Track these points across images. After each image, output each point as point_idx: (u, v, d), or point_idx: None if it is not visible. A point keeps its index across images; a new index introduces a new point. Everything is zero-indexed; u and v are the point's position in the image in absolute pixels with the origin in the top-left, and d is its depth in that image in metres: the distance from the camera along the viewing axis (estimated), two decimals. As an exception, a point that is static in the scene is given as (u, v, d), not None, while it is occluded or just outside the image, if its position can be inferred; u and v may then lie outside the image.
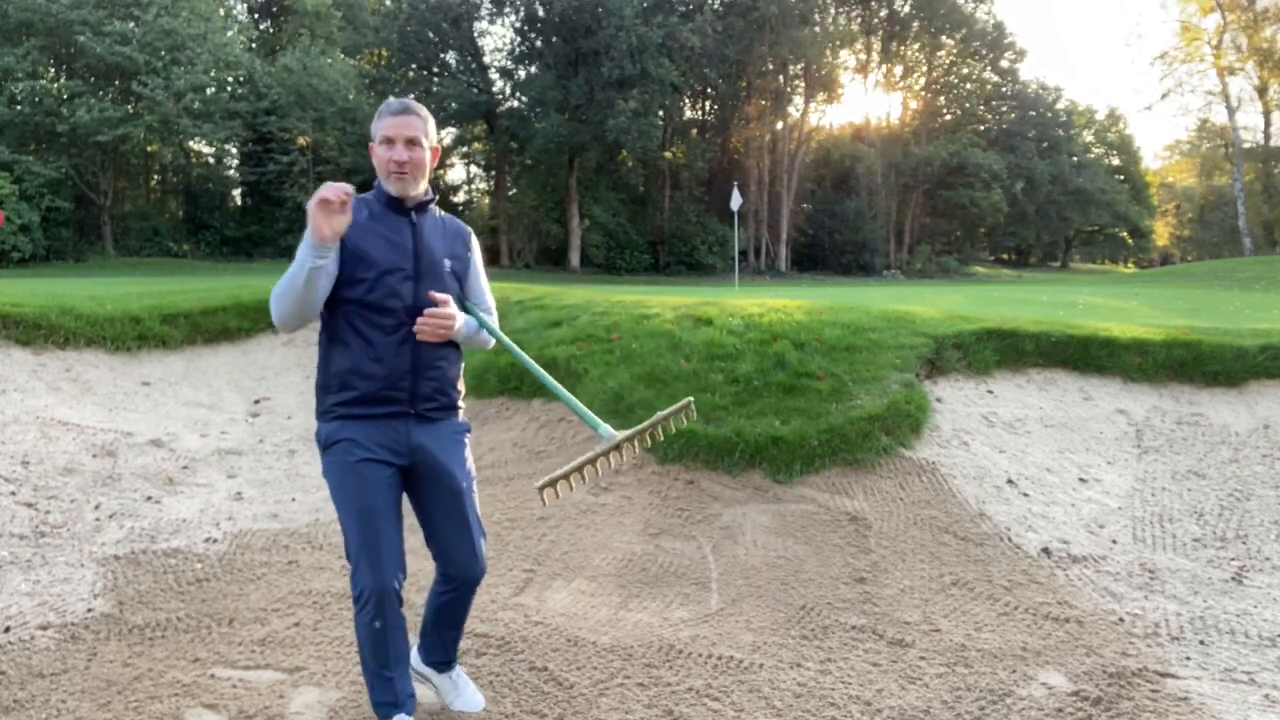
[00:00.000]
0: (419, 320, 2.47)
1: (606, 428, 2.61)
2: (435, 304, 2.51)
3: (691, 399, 2.78)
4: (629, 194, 39.63)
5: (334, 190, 2.28)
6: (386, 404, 2.49)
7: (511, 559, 4.15)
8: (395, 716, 2.56)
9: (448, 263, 2.61)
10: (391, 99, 2.64)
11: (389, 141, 2.49)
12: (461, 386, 2.69)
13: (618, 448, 2.61)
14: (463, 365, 2.71)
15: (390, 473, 2.50)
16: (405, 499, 2.65)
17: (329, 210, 2.29)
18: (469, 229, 2.76)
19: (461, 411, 2.71)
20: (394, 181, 2.51)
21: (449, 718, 2.81)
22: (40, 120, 28.12)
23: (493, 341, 2.77)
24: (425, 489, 2.61)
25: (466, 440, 2.71)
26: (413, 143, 2.50)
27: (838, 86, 42.51)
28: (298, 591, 3.79)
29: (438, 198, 2.69)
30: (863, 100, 61.43)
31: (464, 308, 2.68)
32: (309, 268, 2.35)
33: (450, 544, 2.63)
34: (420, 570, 3.79)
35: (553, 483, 2.55)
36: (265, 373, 7.57)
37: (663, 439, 2.77)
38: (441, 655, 2.87)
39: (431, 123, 2.58)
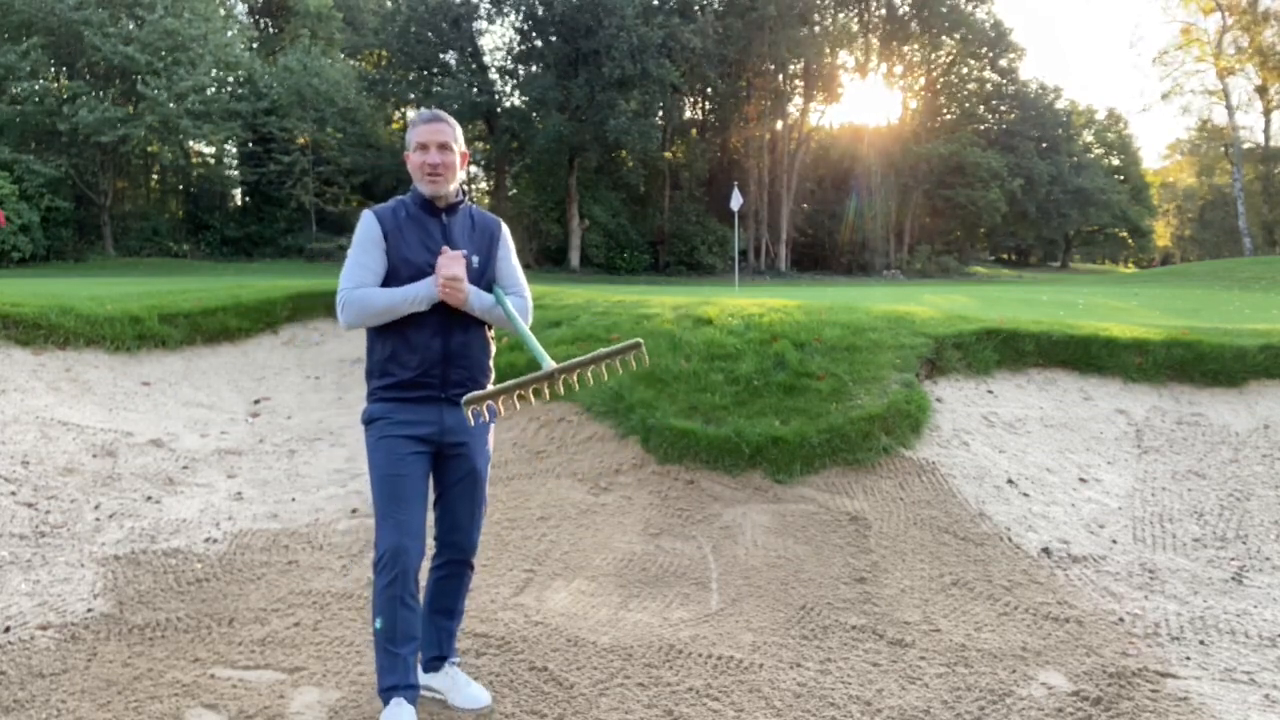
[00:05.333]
0: (440, 265, 2.67)
1: (549, 361, 2.65)
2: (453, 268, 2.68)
3: (640, 341, 2.73)
4: (629, 194, 39.59)
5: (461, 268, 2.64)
6: (421, 389, 2.71)
7: (511, 559, 4.15)
8: (395, 699, 2.64)
9: (475, 259, 2.80)
10: (423, 109, 2.88)
11: (423, 147, 2.73)
12: (491, 373, 2.89)
13: (551, 377, 2.60)
14: (492, 350, 2.90)
15: (421, 450, 2.72)
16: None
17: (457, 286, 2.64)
18: (498, 220, 2.96)
19: None
20: (428, 184, 2.74)
21: (450, 717, 2.81)
22: (41, 120, 28.11)
23: (529, 320, 2.91)
24: (449, 466, 2.81)
25: (491, 425, 2.90)
26: (444, 147, 2.74)
27: (837, 86, 42.48)
28: (298, 591, 3.79)
29: (467, 199, 2.90)
30: (862, 100, 61.43)
31: (490, 290, 2.84)
32: (419, 309, 2.67)
33: (459, 517, 2.83)
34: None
35: (479, 399, 2.55)
36: (265, 373, 7.57)
37: (606, 379, 2.74)
38: (436, 650, 2.91)
39: (459, 129, 2.83)
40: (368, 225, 2.74)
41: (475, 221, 2.87)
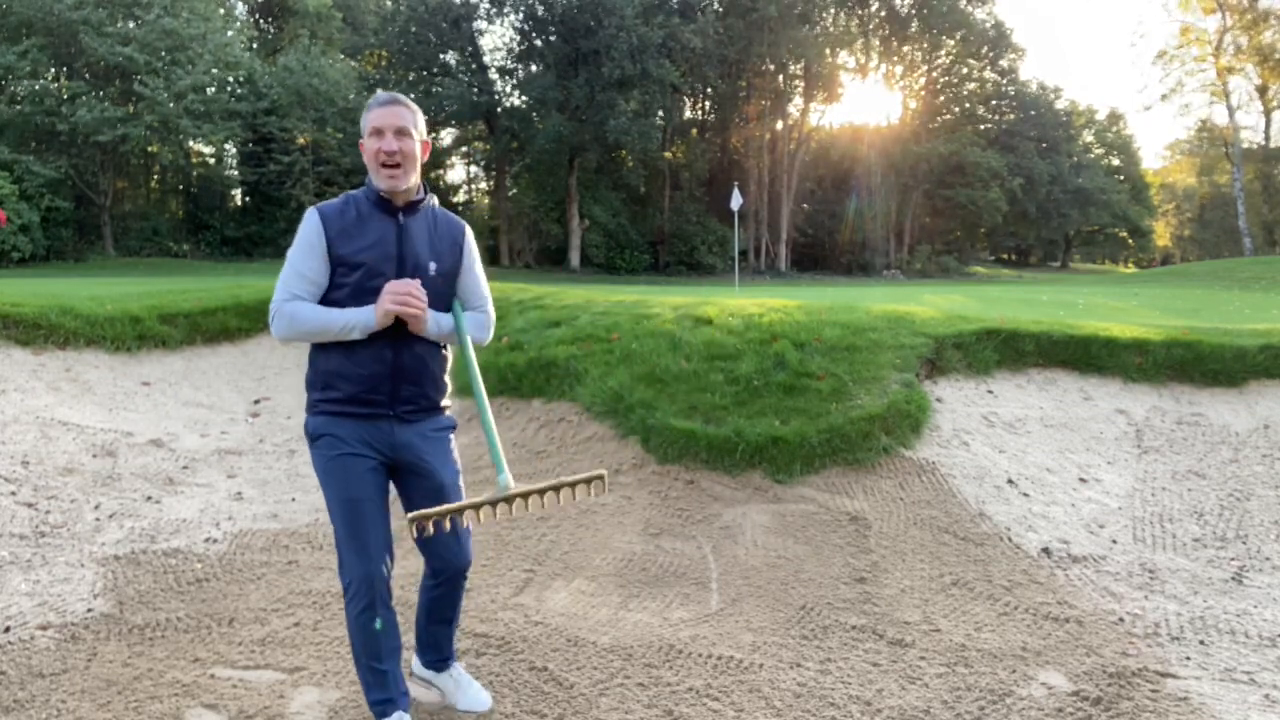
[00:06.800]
0: (388, 287, 2.44)
1: (506, 477, 2.46)
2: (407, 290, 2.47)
3: (604, 473, 2.56)
4: (629, 194, 39.64)
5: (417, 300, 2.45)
6: (367, 405, 2.52)
7: (511, 559, 4.15)
8: (393, 714, 2.57)
9: (433, 265, 2.57)
10: (379, 92, 2.63)
11: (378, 133, 2.47)
12: (447, 386, 2.71)
13: (508, 500, 2.42)
14: (448, 365, 2.71)
15: (373, 465, 2.53)
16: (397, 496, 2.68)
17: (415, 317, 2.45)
18: (463, 224, 2.72)
19: (448, 410, 2.72)
20: (384, 175, 2.48)
21: (450, 717, 2.81)
22: (40, 120, 28.12)
23: (487, 337, 2.75)
24: (410, 485, 2.63)
25: (451, 437, 2.72)
26: (402, 133, 2.47)
27: (837, 86, 42.51)
28: (298, 591, 3.79)
29: (429, 195, 2.65)
30: (862, 100, 61.49)
31: (451, 307, 2.65)
32: (352, 336, 2.46)
33: (441, 538, 2.62)
34: (414, 570, 3.79)
35: (425, 517, 2.35)
36: (265, 373, 7.57)
37: (560, 503, 2.49)
38: (436, 654, 2.88)
39: (420, 115, 2.57)
40: (310, 227, 2.47)
41: (438, 223, 2.61)
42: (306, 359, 2.63)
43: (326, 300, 2.50)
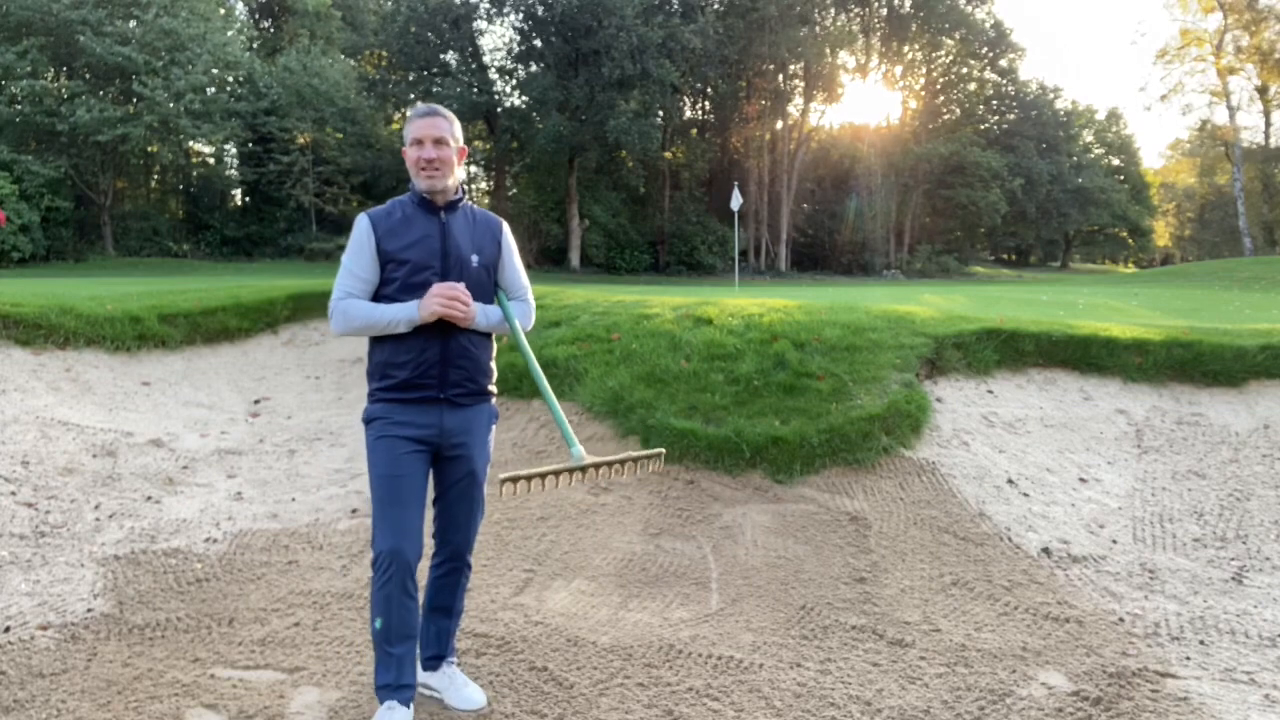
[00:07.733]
0: (435, 289, 2.64)
1: (579, 449, 2.77)
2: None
3: (663, 451, 2.97)
4: (629, 194, 39.58)
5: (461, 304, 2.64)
6: (419, 390, 2.70)
7: (511, 559, 4.15)
8: (389, 701, 2.64)
9: (475, 258, 2.77)
10: (420, 104, 2.83)
11: (419, 142, 2.70)
12: (493, 372, 2.87)
13: (583, 470, 2.75)
14: (494, 352, 2.88)
15: (419, 449, 2.70)
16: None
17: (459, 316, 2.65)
18: (500, 220, 2.92)
19: (493, 398, 2.88)
20: (424, 178, 2.71)
21: (449, 717, 2.81)
22: (40, 120, 28.11)
23: (530, 323, 2.94)
24: (449, 467, 2.80)
25: (492, 428, 2.90)
26: (440, 142, 2.70)
27: (837, 86, 42.47)
28: (298, 591, 3.79)
29: (467, 196, 2.86)
30: (862, 100, 61.46)
31: (497, 299, 2.86)
32: (399, 330, 2.66)
33: (457, 517, 2.83)
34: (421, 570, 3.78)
35: (516, 479, 2.65)
36: (265, 373, 7.57)
37: (625, 479, 2.91)
38: (435, 649, 2.92)
39: (456, 124, 2.78)
40: (360, 230, 2.71)
41: (476, 219, 2.83)
42: (366, 351, 2.83)
43: (379, 295, 2.71)
